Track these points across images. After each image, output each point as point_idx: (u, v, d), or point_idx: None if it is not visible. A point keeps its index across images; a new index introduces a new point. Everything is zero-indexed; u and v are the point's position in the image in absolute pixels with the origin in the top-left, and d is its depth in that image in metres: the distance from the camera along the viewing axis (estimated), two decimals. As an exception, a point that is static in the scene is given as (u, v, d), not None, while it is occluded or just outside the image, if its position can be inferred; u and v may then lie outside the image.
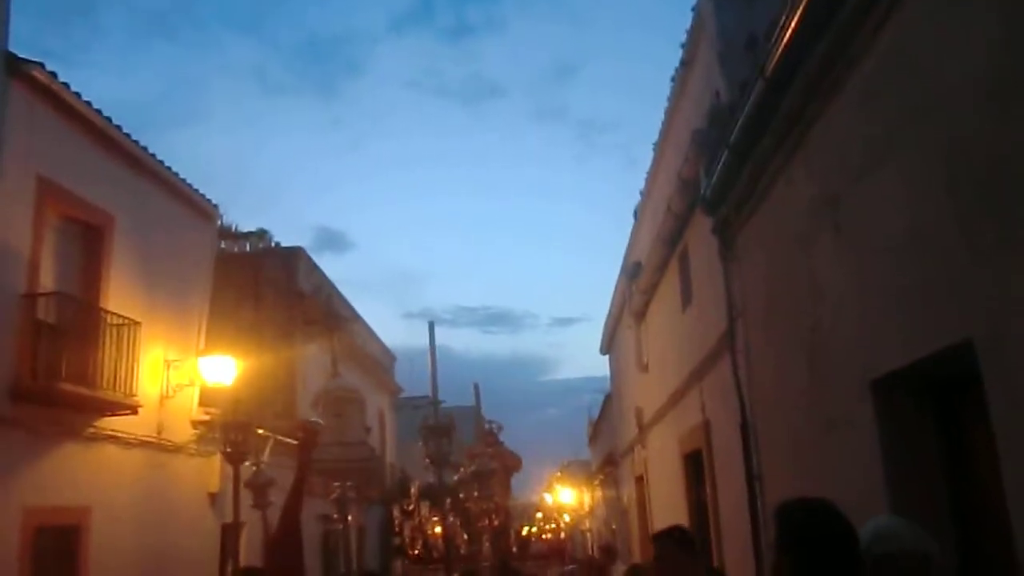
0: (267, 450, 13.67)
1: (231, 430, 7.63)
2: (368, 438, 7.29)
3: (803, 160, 5.06)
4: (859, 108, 4.17)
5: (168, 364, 12.06)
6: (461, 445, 12.12)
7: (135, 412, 10.81)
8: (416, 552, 12.45)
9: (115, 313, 10.65)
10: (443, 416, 5.91)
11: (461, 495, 10.97)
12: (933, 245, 3.44)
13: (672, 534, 3.87)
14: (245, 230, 18.36)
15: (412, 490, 16.23)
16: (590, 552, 27.68)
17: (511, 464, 12.18)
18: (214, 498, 12.86)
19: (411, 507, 14.76)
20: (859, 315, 4.30)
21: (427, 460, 5.18)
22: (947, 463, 3.90)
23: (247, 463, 8.82)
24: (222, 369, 10.99)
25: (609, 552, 10.10)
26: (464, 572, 9.41)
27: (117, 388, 10.43)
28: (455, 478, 11.78)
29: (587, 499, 30.95)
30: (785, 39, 4.53)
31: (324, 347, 13.59)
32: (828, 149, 4.65)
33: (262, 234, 18.36)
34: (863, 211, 4.18)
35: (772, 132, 5.31)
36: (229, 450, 7.99)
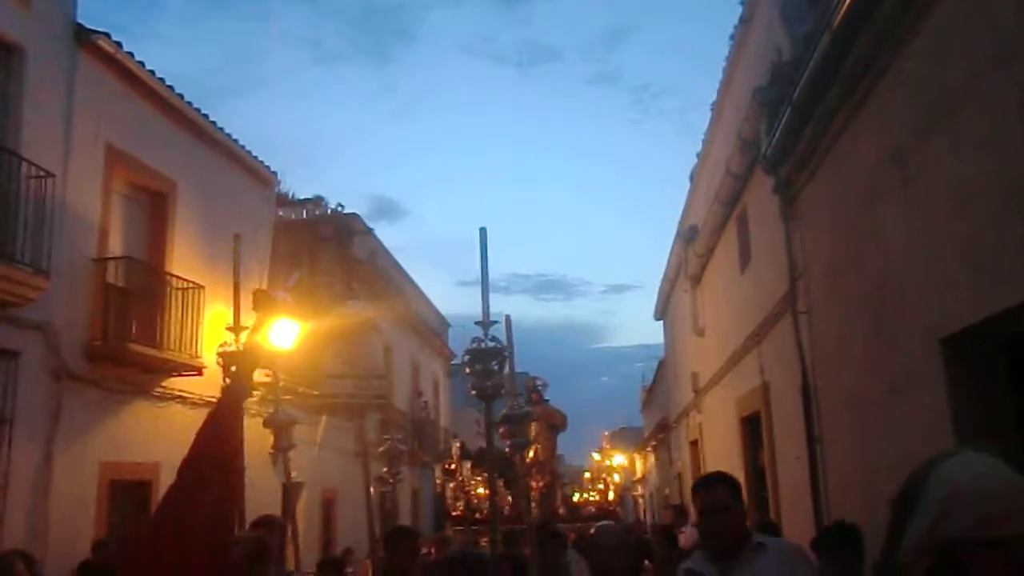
0: (323, 419, 13.92)
1: (232, 359, 5.45)
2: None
3: (870, 114, 4.93)
4: (931, 58, 4.03)
5: (230, 327, 12.39)
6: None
7: (200, 373, 11.12)
8: (457, 513, 12.35)
9: (180, 277, 10.95)
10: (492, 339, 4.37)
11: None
12: (1010, 194, 3.33)
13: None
14: (301, 197, 18.64)
15: (453, 449, 16.24)
16: (641, 517, 27.75)
17: (556, 422, 11.86)
18: (275, 457, 13.18)
19: (452, 466, 14.71)
20: (928, 271, 4.20)
21: (472, 391, 4.05)
22: (1020, 422, 3.81)
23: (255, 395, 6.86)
24: (283, 332, 11.19)
25: (679, 512, 9.96)
26: (506, 533, 9.39)
27: (183, 350, 10.76)
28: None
29: (639, 465, 30.99)
30: (854, -11, 4.39)
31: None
32: (897, 102, 4.51)
33: (318, 201, 18.61)
34: (934, 163, 4.06)
35: (838, 87, 5.17)
36: (228, 381, 5.54)
